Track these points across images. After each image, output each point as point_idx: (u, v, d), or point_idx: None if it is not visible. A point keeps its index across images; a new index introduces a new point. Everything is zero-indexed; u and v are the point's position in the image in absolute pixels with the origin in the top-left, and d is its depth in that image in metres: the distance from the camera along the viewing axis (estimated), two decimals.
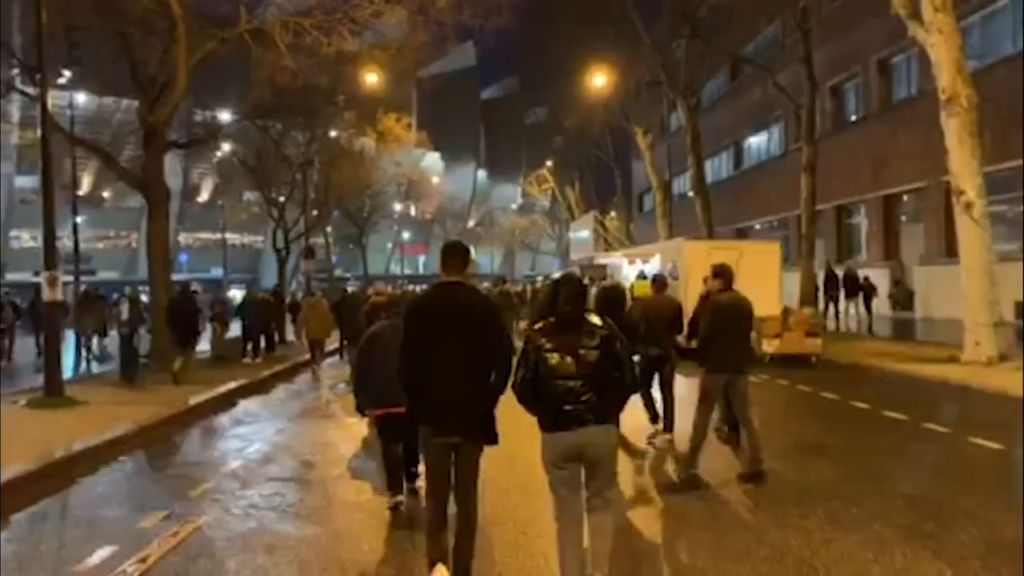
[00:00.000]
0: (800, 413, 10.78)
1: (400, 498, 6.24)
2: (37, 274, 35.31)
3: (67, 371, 13.25)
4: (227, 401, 12.61)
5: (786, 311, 17.84)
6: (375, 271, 62.48)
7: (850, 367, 15.24)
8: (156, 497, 6.88)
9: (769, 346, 16.11)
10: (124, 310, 13.68)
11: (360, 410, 6.52)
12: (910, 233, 26.11)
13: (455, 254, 4.46)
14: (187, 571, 4.97)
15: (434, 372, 4.24)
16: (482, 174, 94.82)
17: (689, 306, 16.78)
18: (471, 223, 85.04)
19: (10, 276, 50.17)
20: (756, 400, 12.04)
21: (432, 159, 73.15)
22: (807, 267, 21.55)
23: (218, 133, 19.25)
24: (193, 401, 11.74)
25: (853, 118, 29.58)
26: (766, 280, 17.22)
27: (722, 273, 7.51)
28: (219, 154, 35.26)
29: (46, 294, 11.53)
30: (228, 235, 52.71)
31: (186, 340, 14.00)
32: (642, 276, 18.35)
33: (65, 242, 50.56)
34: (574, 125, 40.16)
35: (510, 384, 4.23)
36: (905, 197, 26.41)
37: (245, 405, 12.49)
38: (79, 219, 56.49)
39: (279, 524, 5.93)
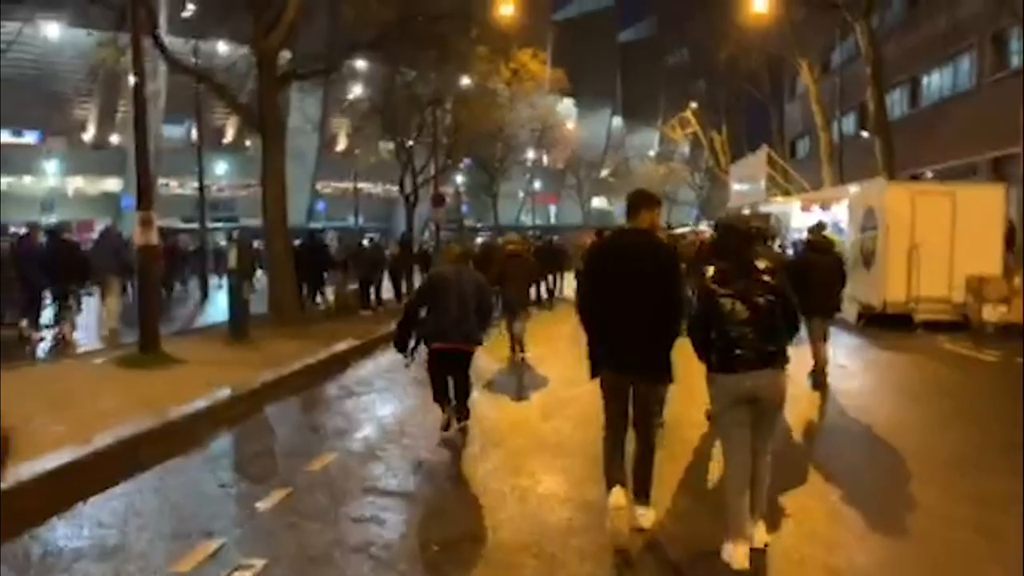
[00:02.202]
0: None
1: (449, 436, 6.69)
2: (184, 220, 35.82)
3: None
4: (340, 362, 10.96)
5: (1007, 270, 14.46)
6: (505, 221, 60.73)
7: None
8: (214, 514, 5.05)
9: (992, 314, 12.92)
10: (232, 257, 12.20)
11: (400, 349, 6.85)
12: None
13: (642, 202, 4.56)
14: None
15: (613, 314, 4.42)
16: (617, 120, 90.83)
17: (893, 264, 13.90)
18: (604, 172, 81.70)
19: (160, 222, 51.93)
20: (990, 394, 9.24)
21: (566, 106, 70.21)
22: None
23: (340, 63, 17.43)
24: (299, 364, 10.11)
25: None
26: (986, 230, 13.84)
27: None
28: (351, 97, 34.02)
29: (138, 237, 10.10)
30: (363, 184, 52.25)
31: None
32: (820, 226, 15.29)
33: (212, 191, 51.61)
34: (726, 59, 36.24)
35: (683, 327, 4.39)
36: None
37: (359, 368, 10.80)
38: (223, 166, 57.71)
39: None
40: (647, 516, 4.51)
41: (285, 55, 16.58)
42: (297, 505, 5.14)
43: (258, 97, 14.24)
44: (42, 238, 13.10)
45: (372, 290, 17.36)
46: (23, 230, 14.73)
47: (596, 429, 6.36)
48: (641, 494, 4.53)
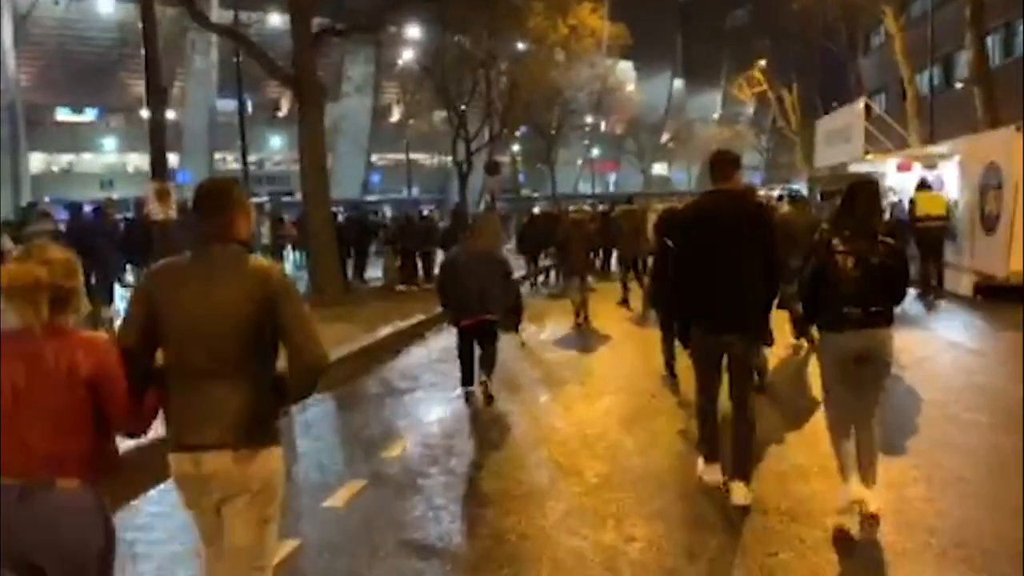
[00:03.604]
0: None
1: (471, 389, 6.93)
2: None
3: None
4: (383, 350, 9.71)
5: None
6: (563, 190, 59.00)
7: None
8: None
9: None
10: (264, 231, 10.99)
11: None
12: None
13: (725, 163, 4.46)
14: None
15: (708, 275, 4.31)
16: (678, 83, 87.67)
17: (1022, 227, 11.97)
18: (665, 136, 78.92)
19: None
20: None
21: (624, 68, 67.66)
22: None
23: (385, 21, 16.05)
24: (335, 355, 8.86)
25: None
26: None
27: None
28: (401, 62, 32.67)
29: (155, 211, 8.94)
30: (417, 155, 51.19)
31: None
32: (924, 185, 13.45)
33: (267, 165, 50.95)
34: (799, 11, 33.75)
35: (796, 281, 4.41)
36: None
37: (405, 356, 9.54)
38: (278, 140, 57.25)
39: None
40: (742, 491, 4.28)
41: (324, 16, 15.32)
42: (307, 570, 3.84)
43: (293, 56, 12.96)
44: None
45: (421, 265, 16.09)
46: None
47: (693, 453, 4.99)
48: (738, 475, 4.33)
